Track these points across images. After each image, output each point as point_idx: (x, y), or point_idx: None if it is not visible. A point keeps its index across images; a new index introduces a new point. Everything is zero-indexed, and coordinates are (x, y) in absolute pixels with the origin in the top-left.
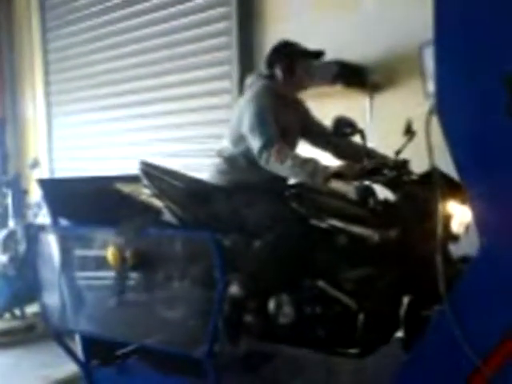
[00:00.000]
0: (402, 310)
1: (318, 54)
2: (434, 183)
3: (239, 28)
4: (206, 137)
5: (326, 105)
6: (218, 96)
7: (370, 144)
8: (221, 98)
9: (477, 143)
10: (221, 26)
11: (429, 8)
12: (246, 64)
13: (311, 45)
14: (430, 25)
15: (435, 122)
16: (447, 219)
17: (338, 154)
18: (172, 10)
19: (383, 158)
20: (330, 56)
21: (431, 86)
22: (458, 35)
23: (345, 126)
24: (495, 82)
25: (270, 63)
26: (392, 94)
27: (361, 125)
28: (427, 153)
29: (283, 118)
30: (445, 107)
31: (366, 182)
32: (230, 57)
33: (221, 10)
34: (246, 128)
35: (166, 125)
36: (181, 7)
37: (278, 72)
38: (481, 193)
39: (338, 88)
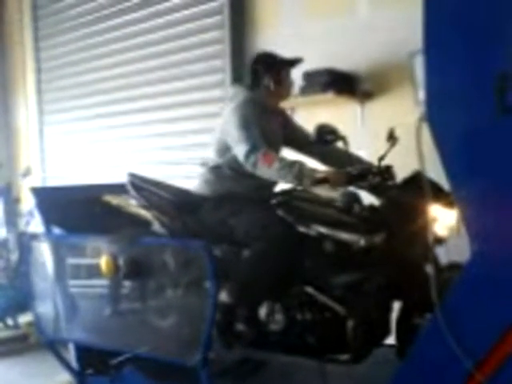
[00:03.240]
0: (393, 317)
1: (296, 62)
2: (422, 188)
3: (232, 37)
4: (199, 145)
5: (317, 113)
6: (211, 104)
7: (361, 151)
8: (214, 106)
9: (467, 150)
10: (214, 34)
11: (419, 16)
12: (239, 73)
13: (303, 53)
14: (420, 33)
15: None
16: (432, 223)
17: (322, 160)
18: (165, 18)
19: (367, 164)
20: (321, 64)
21: (422, 94)
22: (448, 43)
23: (327, 133)
24: (485, 89)
25: (256, 74)
26: (383, 102)
27: (352, 133)
28: (417, 159)
29: (266, 128)
30: (435, 115)
31: (351, 188)
32: (222, 65)
33: (214, 19)
34: (231, 137)
35: (158, 133)
36: (174, 16)
37: (266, 82)
38: (472, 199)
39: (329, 96)
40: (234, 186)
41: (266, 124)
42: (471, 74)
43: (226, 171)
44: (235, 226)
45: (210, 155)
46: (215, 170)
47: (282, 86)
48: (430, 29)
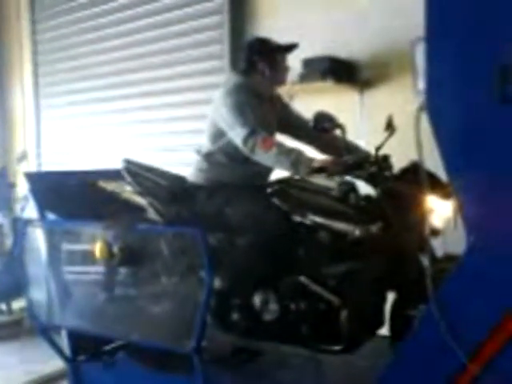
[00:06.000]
0: (388, 308)
1: (291, 47)
2: (419, 179)
3: (231, 22)
4: (196, 132)
5: (317, 101)
6: (209, 90)
7: (360, 140)
8: (212, 92)
9: (465, 140)
10: (213, 20)
11: (420, 4)
12: (237, 58)
13: (302, 40)
14: (422, 21)
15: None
16: (428, 214)
17: (319, 148)
18: (163, 2)
19: (364, 153)
20: (320, 52)
21: (421, 83)
22: (450, 32)
23: (325, 120)
24: (486, 78)
25: (250, 60)
26: (383, 91)
27: (351, 121)
28: (416, 149)
29: (259, 114)
30: (434, 104)
31: (348, 178)
32: (221, 51)
33: (213, 4)
34: (225, 122)
35: (155, 119)
36: (172, 0)
37: (261, 68)
38: (469, 190)
39: (329, 84)
40: (228, 174)
41: (260, 110)
42: (472, 63)
43: (219, 158)
44: (229, 214)
45: (203, 142)
46: (209, 157)
47: (277, 72)
48: (431, 17)
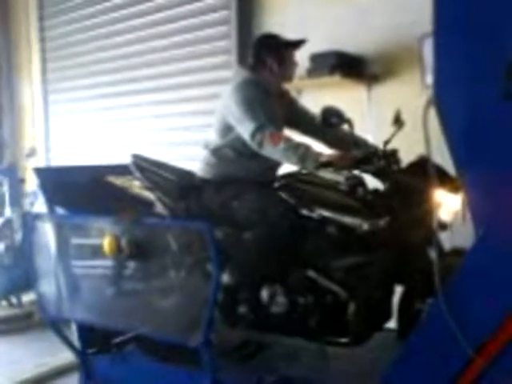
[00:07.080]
0: (396, 301)
1: (299, 43)
2: (427, 173)
3: (238, 17)
4: (205, 127)
5: (324, 95)
6: (217, 86)
7: (367, 135)
8: (219, 87)
9: (474, 134)
10: (220, 15)
11: None
12: (245, 54)
13: (310, 36)
14: (430, 15)
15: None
16: (436, 208)
17: (327, 143)
18: None
19: (372, 147)
20: (328, 47)
21: (429, 78)
22: (458, 27)
23: (333, 115)
24: (493, 73)
25: (258, 55)
26: (390, 86)
27: (358, 116)
28: (424, 143)
29: (268, 109)
30: (443, 98)
31: (356, 172)
32: (228, 46)
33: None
34: (233, 116)
35: (164, 114)
36: None
37: (269, 64)
38: (477, 184)
39: (336, 79)
40: (236, 168)
41: (268, 105)
42: (480, 58)
43: (227, 152)
44: (237, 208)
45: (212, 137)
46: (217, 151)
47: (286, 68)
48: (440, 11)
